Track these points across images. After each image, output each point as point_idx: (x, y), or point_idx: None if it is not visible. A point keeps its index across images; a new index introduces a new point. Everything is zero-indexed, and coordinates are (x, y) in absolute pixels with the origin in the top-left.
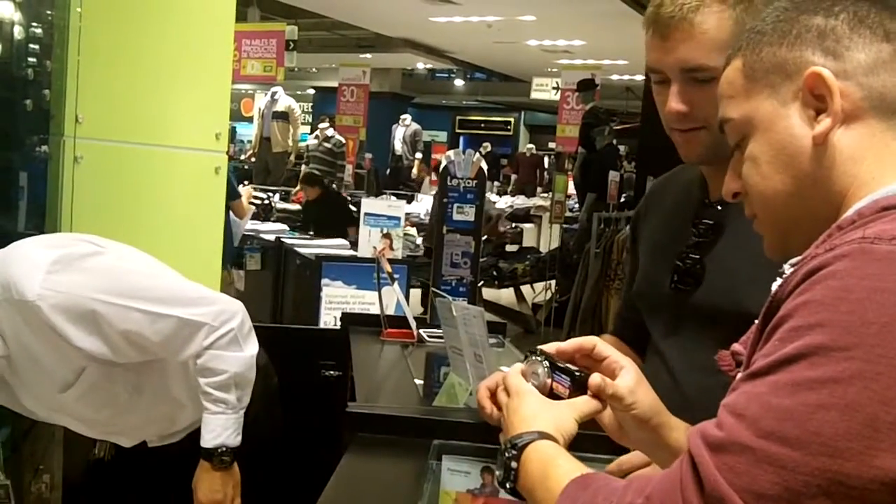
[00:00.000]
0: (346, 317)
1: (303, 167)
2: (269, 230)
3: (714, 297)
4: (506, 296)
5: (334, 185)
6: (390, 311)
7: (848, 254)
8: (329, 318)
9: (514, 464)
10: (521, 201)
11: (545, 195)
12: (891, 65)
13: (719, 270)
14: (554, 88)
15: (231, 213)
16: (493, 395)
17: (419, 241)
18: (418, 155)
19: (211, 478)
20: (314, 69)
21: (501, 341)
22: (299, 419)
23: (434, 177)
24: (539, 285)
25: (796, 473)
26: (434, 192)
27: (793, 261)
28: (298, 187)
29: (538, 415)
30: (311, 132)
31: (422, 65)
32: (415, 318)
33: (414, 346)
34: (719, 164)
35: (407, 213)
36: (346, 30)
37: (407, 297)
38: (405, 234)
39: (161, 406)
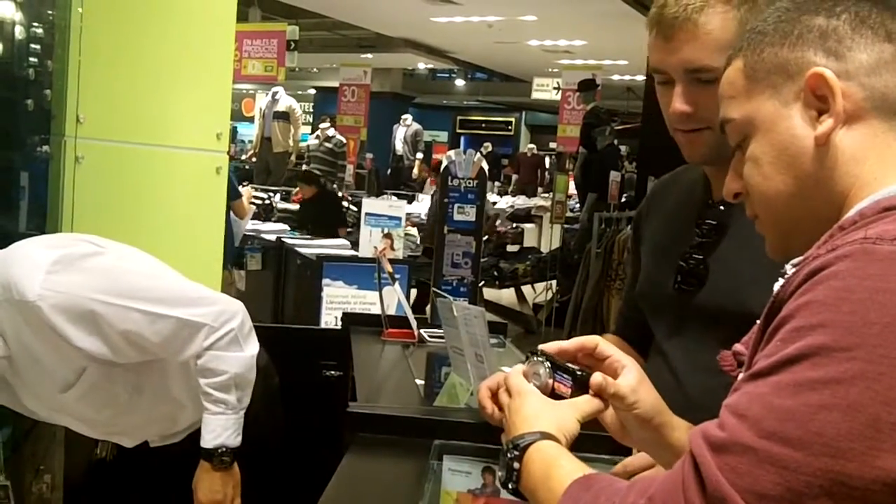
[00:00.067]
0: (346, 317)
1: (304, 167)
2: (270, 230)
3: (717, 298)
4: (507, 296)
5: (335, 185)
6: (391, 311)
7: (850, 254)
8: (330, 318)
9: (516, 464)
10: (521, 201)
11: (546, 195)
12: (893, 65)
13: (723, 271)
14: (555, 88)
15: (232, 213)
16: (495, 395)
17: (419, 241)
18: (419, 155)
19: (211, 478)
20: (315, 69)
21: (502, 341)
22: (300, 419)
23: (433, 177)
24: (540, 285)
25: (798, 474)
26: (431, 193)
27: (794, 261)
28: (298, 187)
29: (540, 415)
30: (312, 132)
31: (423, 65)
32: (415, 316)
33: (415, 346)
34: (723, 165)
35: (408, 214)
36: (346, 30)
37: (408, 296)
38: (406, 235)
39: (162, 406)
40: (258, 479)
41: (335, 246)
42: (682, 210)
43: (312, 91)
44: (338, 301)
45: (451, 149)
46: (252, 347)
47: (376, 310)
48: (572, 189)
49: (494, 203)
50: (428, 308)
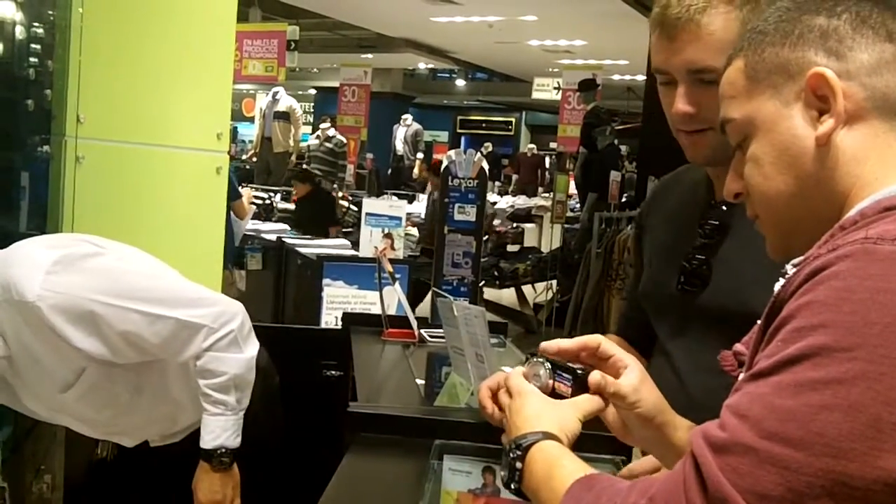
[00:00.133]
0: (347, 317)
1: (303, 167)
2: (271, 230)
3: (721, 298)
4: (507, 296)
5: (335, 185)
6: (391, 311)
7: (851, 254)
8: (330, 318)
9: (518, 464)
10: (522, 201)
11: (546, 195)
12: (893, 65)
13: (726, 271)
14: (555, 88)
15: (232, 213)
16: (495, 395)
17: (417, 241)
18: (419, 155)
19: (210, 479)
20: (315, 69)
21: (503, 341)
22: (300, 419)
23: (431, 177)
24: (540, 285)
25: (799, 474)
26: (428, 193)
27: (795, 261)
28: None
29: (541, 415)
30: (313, 132)
31: (423, 65)
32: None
33: (415, 346)
34: (725, 165)
35: (408, 213)
36: (347, 30)
37: (409, 296)
38: (406, 234)
39: (162, 406)
40: (258, 479)
41: (335, 246)
42: (685, 210)
43: (313, 91)
44: (338, 301)
45: (451, 149)
46: (251, 349)
47: (376, 310)
48: (573, 189)
49: (494, 203)
50: (421, 305)
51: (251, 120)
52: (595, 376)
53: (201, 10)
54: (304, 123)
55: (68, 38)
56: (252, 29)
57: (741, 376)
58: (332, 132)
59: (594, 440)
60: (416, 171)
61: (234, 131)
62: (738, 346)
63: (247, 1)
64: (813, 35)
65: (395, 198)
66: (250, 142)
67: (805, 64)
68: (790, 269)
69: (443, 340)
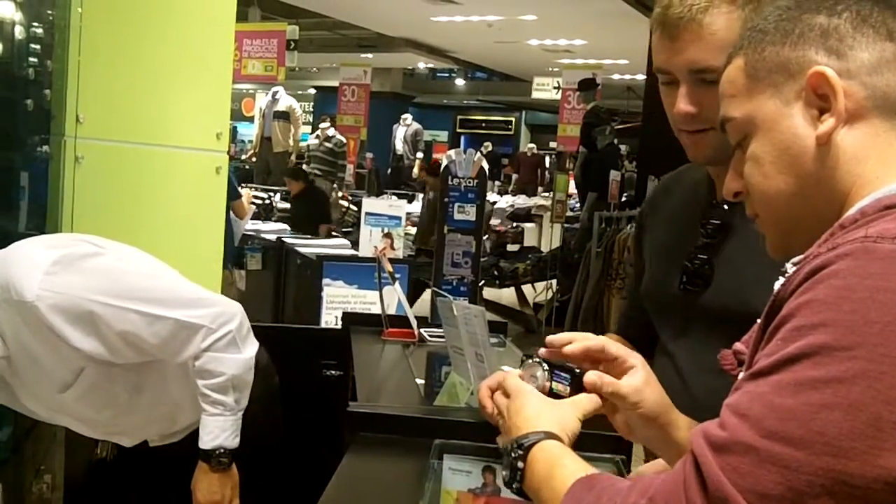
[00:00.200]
0: (347, 316)
1: (304, 167)
2: (270, 230)
3: (723, 298)
4: (507, 295)
5: (335, 185)
6: (391, 310)
7: (850, 253)
8: (330, 318)
9: (520, 464)
10: (522, 201)
11: (546, 195)
12: (894, 64)
13: (728, 271)
14: (555, 88)
15: (232, 212)
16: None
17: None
18: (419, 154)
19: (209, 479)
20: (315, 69)
21: (503, 341)
22: (300, 419)
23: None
24: (540, 285)
25: (800, 473)
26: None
27: (795, 260)
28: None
29: (542, 414)
30: (312, 132)
31: (423, 64)
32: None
33: (415, 345)
34: (727, 165)
35: (408, 213)
36: (347, 29)
37: (408, 296)
38: (406, 234)
39: (161, 406)
40: (258, 479)
41: (335, 246)
42: (687, 210)
43: (312, 91)
44: (338, 301)
45: (451, 148)
46: (250, 349)
47: (376, 309)
48: (572, 188)
49: (494, 203)
50: (418, 304)
51: (251, 120)
52: (590, 376)
53: (200, 9)
54: (304, 123)
55: (67, 37)
56: (251, 28)
57: (741, 375)
58: (331, 132)
59: (594, 439)
60: (415, 170)
61: (233, 131)
62: (737, 345)
63: (246, 0)
64: (813, 34)
65: (394, 197)
66: (250, 141)
67: (805, 63)
68: (790, 267)
69: (443, 340)
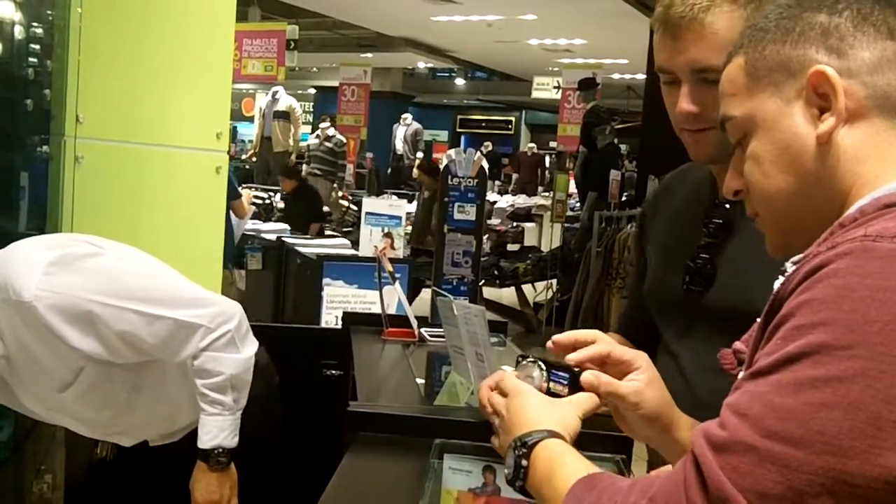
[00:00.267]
0: (347, 316)
1: (304, 167)
2: (270, 230)
3: (727, 298)
4: (507, 295)
5: (335, 185)
6: (391, 310)
7: (850, 252)
8: (330, 318)
9: (524, 462)
10: (522, 200)
11: (546, 194)
12: (895, 63)
13: (731, 270)
14: (555, 87)
15: (232, 212)
16: None
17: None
18: (419, 154)
19: (208, 479)
20: (315, 69)
21: (503, 340)
22: (300, 419)
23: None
24: (540, 284)
25: (800, 473)
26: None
27: (795, 259)
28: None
29: (544, 413)
30: (312, 132)
31: (423, 64)
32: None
33: (415, 345)
34: (729, 163)
35: (408, 213)
36: (346, 29)
37: (408, 295)
38: (406, 234)
39: (161, 406)
40: (258, 479)
41: (335, 245)
42: (689, 209)
43: (312, 90)
44: (338, 300)
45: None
46: (249, 349)
47: (376, 309)
48: (572, 188)
49: (494, 202)
50: (417, 304)
51: (251, 119)
52: (587, 376)
53: (200, 9)
54: (304, 123)
55: (67, 37)
56: (251, 28)
57: (741, 375)
58: (331, 131)
59: (595, 439)
60: (415, 170)
61: (233, 131)
62: (737, 345)
63: (246, 0)
64: (814, 33)
65: (394, 197)
66: (250, 141)
67: (806, 62)
68: (790, 266)
69: (443, 340)
